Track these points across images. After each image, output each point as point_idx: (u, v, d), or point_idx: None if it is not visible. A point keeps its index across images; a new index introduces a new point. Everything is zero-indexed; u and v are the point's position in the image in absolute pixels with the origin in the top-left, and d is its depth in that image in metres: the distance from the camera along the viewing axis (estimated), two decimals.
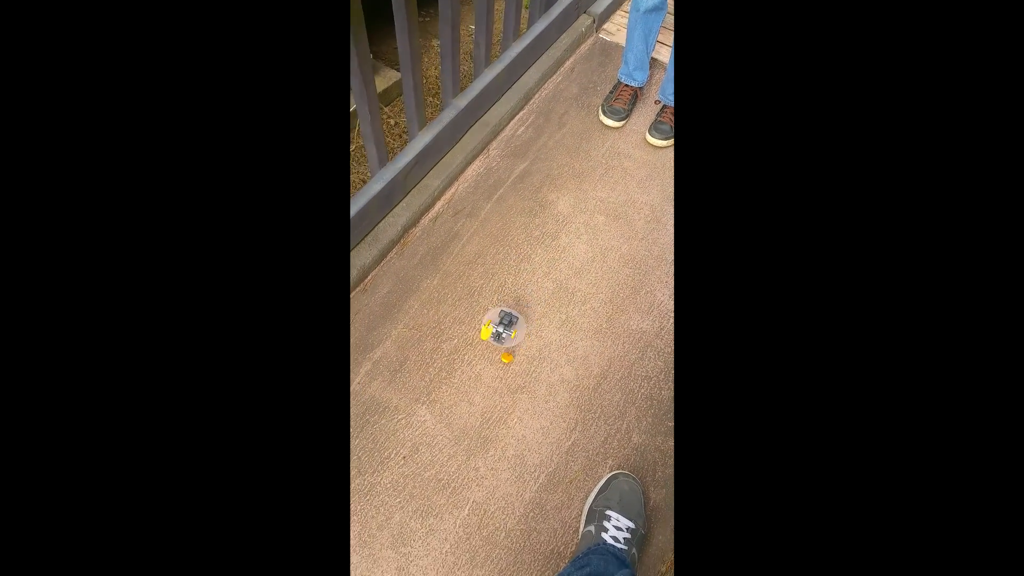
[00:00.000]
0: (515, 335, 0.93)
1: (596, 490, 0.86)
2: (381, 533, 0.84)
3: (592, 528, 0.80)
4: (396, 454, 0.91)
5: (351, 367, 0.99)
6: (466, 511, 0.87)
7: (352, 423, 0.94)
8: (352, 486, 0.88)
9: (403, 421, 0.94)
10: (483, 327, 0.94)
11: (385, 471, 0.89)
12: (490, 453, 0.92)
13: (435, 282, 1.09)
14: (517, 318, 0.95)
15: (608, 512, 0.80)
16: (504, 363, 1.00)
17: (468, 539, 0.84)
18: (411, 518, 0.86)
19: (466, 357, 1.01)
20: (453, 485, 0.89)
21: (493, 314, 0.96)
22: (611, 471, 0.89)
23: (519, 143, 1.29)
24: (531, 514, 0.87)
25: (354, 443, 0.92)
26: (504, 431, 0.94)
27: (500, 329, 0.93)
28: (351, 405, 0.96)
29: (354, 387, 0.97)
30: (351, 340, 1.02)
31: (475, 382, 0.98)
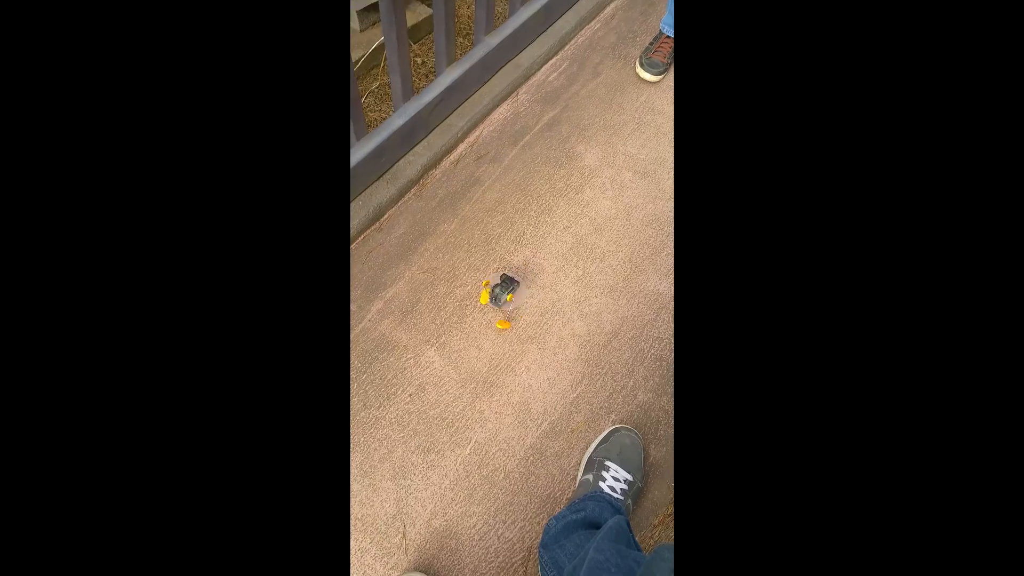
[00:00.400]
0: (511, 299, 0.92)
1: (597, 441, 0.86)
2: (382, 465, 0.86)
3: (590, 476, 0.81)
4: (403, 391, 0.92)
5: (363, 304, 0.99)
6: (467, 450, 0.88)
7: (360, 359, 0.95)
8: (357, 418, 0.89)
9: (411, 360, 0.95)
10: (482, 291, 0.93)
11: (391, 406, 0.91)
12: (495, 398, 0.92)
13: (452, 227, 1.07)
14: (517, 283, 0.94)
15: (607, 463, 0.81)
16: (500, 330, 0.97)
17: (468, 477, 0.86)
18: (413, 453, 0.87)
19: (478, 304, 1.00)
20: (457, 425, 0.90)
21: (494, 277, 0.94)
22: (613, 424, 0.89)
23: (550, 89, 1.24)
24: (531, 458, 0.88)
25: (361, 378, 0.93)
26: (511, 378, 0.94)
27: (497, 291, 0.92)
28: (360, 342, 0.96)
29: (364, 324, 0.98)
30: (364, 277, 1.02)
31: (485, 329, 0.98)
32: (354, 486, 0.84)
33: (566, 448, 0.89)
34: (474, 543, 0.82)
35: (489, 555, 0.81)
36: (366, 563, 0.79)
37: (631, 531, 0.67)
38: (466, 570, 0.80)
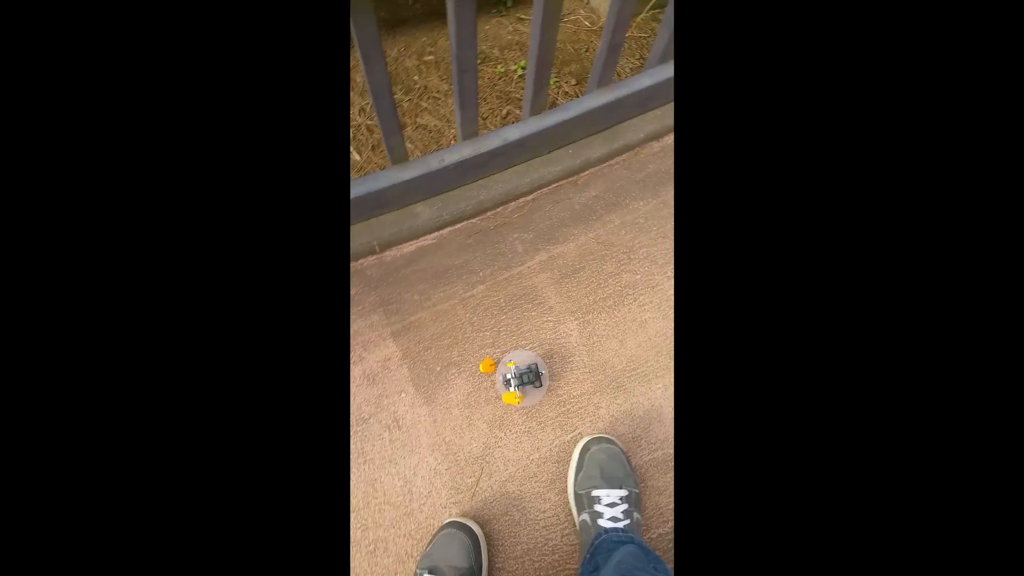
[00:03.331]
0: (521, 399, 0.83)
1: (572, 470, 0.78)
2: (486, 407, 0.85)
3: (586, 517, 0.72)
4: (531, 348, 0.89)
5: (528, 249, 0.97)
6: (568, 437, 0.83)
7: (506, 300, 0.93)
8: (480, 352, 0.89)
9: (551, 324, 0.91)
10: (490, 367, 0.85)
11: None
12: (616, 401, 0.85)
13: (646, 207, 0.98)
14: (541, 376, 0.83)
15: (594, 492, 0.72)
16: (504, 402, 0.85)
17: (558, 463, 0.82)
18: (517, 411, 0.85)
19: (640, 298, 0.91)
20: (568, 407, 0.85)
21: (518, 359, 0.85)
22: (582, 439, 0.81)
23: None
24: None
25: (500, 317, 0.92)
26: (642, 389, 0.85)
27: (511, 380, 0.83)
28: (512, 284, 0.94)
29: (521, 269, 0.95)
30: (541, 225, 0.98)
31: (638, 327, 0.89)
32: (452, 412, 0.85)
33: (669, 486, 0.79)
34: (537, 527, 0.78)
35: (547, 548, 0.77)
36: (436, 483, 0.80)
37: (645, 550, 0.62)
38: (519, 548, 0.77)
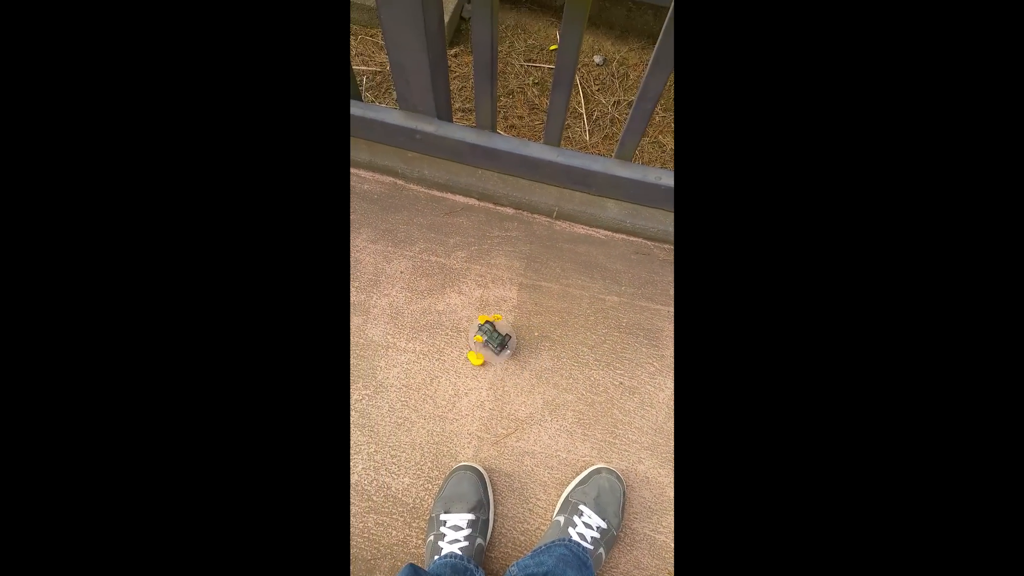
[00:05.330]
0: (482, 357, 0.89)
1: (576, 480, 0.81)
2: (543, 355, 0.91)
3: (562, 519, 0.76)
4: (620, 378, 0.92)
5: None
6: (595, 463, 0.86)
7: (627, 324, 0.97)
8: (596, 305, 0.95)
9: (652, 368, 0.93)
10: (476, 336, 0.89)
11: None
12: (658, 465, 0.85)
13: None
14: (506, 345, 0.89)
15: (581, 507, 0.76)
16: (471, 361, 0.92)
17: (597, 458, 0.85)
18: (606, 370, 0.90)
19: None
20: (615, 443, 0.87)
21: (502, 325, 0.90)
22: (601, 464, 0.83)
23: None
24: (652, 491, 0.81)
25: (611, 332, 0.96)
26: None
27: (486, 339, 0.89)
28: (644, 314, 0.97)
29: (659, 308, 0.98)
30: None
31: None
32: (524, 374, 0.92)
33: (643, 559, 0.78)
34: (523, 503, 0.83)
35: (516, 523, 0.82)
36: (476, 413, 0.89)
37: (589, 568, 0.64)
38: (499, 507, 0.83)
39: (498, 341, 0.89)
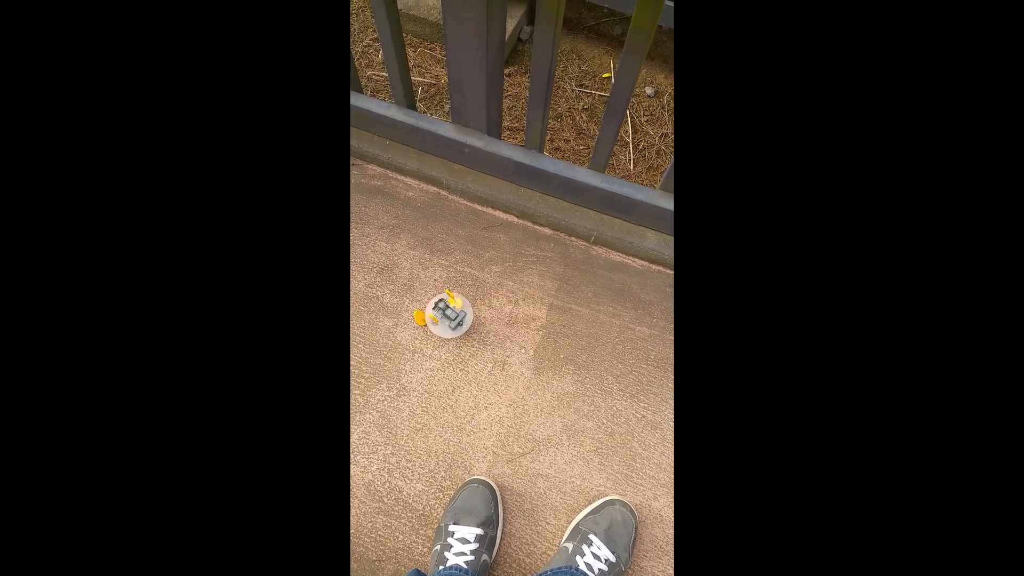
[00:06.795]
0: (435, 320, 0.92)
1: (589, 509, 0.79)
2: (567, 369, 0.91)
3: (570, 546, 0.74)
4: (643, 411, 0.91)
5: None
6: (610, 495, 0.84)
7: (654, 357, 0.96)
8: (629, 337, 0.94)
9: (670, 399, 0.91)
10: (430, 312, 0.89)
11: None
12: (666, 504, 0.83)
13: None
14: (461, 323, 0.92)
15: (591, 537, 0.74)
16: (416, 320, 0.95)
17: (615, 488, 0.84)
18: (625, 400, 0.89)
19: None
20: (631, 479, 0.86)
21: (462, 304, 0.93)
22: (613, 495, 0.80)
23: None
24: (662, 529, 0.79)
25: (637, 363, 0.95)
26: None
27: (443, 308, 0.92)
28: (672, 349, 0.96)
29: None
30: None
31: None
32: (546, 395, 0.92)
33: None
34: (531, 525, 0.82)
35: (522, 546, 0.81)
36: (494, 428, 0.89)
37: None
38: (507, 526, 0.82)
39: (454, 317, 0.94)
